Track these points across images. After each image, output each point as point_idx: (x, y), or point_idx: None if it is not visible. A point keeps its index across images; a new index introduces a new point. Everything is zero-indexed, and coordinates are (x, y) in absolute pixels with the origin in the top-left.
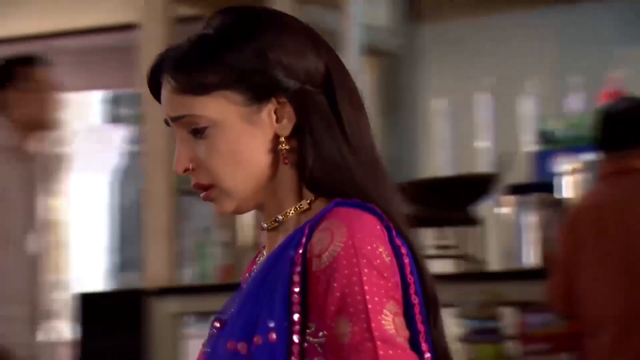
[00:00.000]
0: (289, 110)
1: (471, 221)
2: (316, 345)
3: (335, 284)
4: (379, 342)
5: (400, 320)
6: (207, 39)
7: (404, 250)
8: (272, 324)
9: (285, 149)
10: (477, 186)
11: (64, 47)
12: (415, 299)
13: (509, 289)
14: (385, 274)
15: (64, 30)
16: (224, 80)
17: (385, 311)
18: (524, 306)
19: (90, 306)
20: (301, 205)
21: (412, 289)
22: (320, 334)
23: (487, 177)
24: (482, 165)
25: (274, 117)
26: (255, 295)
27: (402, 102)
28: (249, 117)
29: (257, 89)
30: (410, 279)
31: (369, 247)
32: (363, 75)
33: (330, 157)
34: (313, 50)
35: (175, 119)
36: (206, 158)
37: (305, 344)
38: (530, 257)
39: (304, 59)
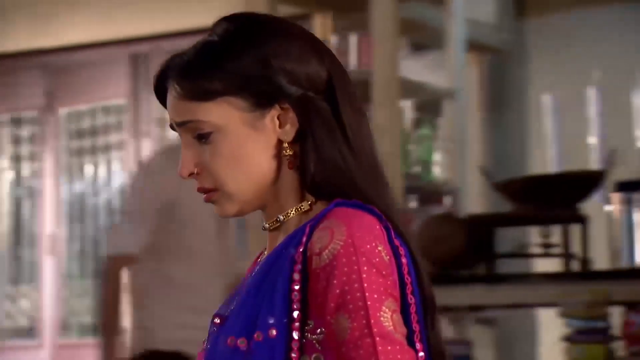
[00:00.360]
0: (291, 116)
1: (578, 219)
2: (314, 341)
3: (335, 281)
4: (377, 338)
5: (398, 317)
6: (211, 45)
7: (402, 251)
8: (272, 320)
9: (289, 154)
10: (584, 183)
11: (171, 48)
12: (411, 299)
13: (616, 288)
14: (384, 272)
15: (168, 32)
16: (228, 86)
17: (384, 308)
18: (631, 306)
19: None
20: (302, 206)
21: (409, 289)
22: (319, 330)
23: (594, 174)
24: (591, 162)
25: (277, 122)
26: (256, 293)
27: (508, 98)
28: (252, 123)
29: (261, 95)
30: (408, 279)
31: (368, 246)
32: (467, 72)
33: (332, 160)
34: (315, 57)
35: (181, 124)
36: (210, 162)
37: (304, 340)
38: (638, 256)
39: (307, 66)
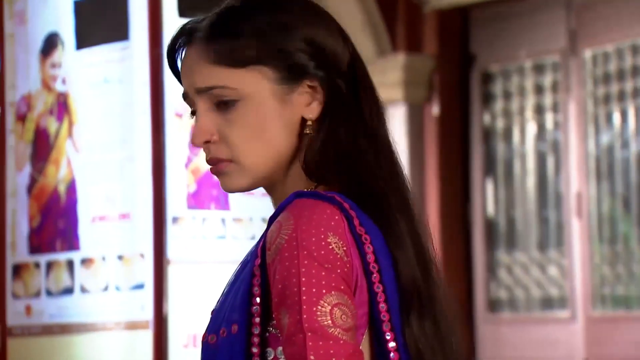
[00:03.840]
0: (319, 94)
1: None
2: (277, 334)
3: (277, 276)
4: (309, 334)
5: (342, 310)
6: (245, 13)
7: (367, 239)
8: (235, 316)
9: (311, 133)
10: None
11: None
12: (378, 287)
13: None
14: (327, 265)
15: None
16: (262, 55)
17: (321, 302)
18: None
19: None
20: None
21: (375, 278)
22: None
23: None
24: None
25: (305, 99)
26: (230, 288)
27: None
28: (281, 96)
29: (293, 69)
30: (375, 267)
31: (313, 239)
32: None
33: (341, 145)
34: (341, 38)
35: (203, 91)
36: (231, 131)
37: (267, 334)
38: None
39: (336, 45)
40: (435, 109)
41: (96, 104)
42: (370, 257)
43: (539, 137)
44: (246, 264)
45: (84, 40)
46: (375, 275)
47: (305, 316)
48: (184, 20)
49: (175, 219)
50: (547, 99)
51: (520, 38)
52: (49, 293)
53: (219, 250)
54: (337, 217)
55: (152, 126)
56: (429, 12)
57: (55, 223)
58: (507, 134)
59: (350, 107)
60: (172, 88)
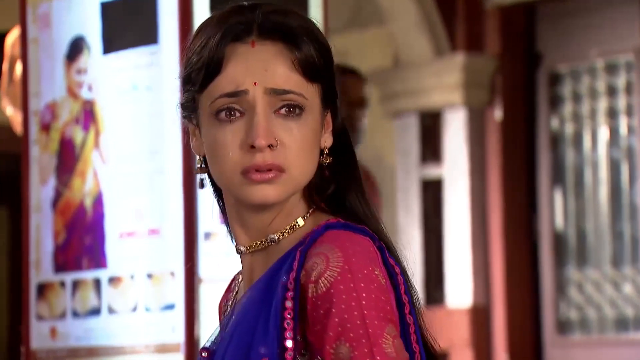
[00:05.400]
0: (330, 125)
1: None
2: None
3: (333, 310)
4: None
5: (399, 342)
6: (315, 26)
7: (397, 270)
8: (263, 351)
9: (328, 161)
10: None
11: None
12: (410, 319)
13: None
14: (382, 297)
15: None
16: (324, 74)
17: (385, 334)
18: None
19: None
20: (297, 223)
21: (406, 309)
22: None
23: None
24: None
25: (326, 126)
26: (247, 322)
27: None
28: (321, 117)
29: (330, 93)
30: (405, 298)
31: (365, 271)
32: None
33: (352, 180)
34: None
35: (279, 92)
36: (292, 141)
37: None
38: None
39: None
40: (498, 113)
41: (124, 112)
42: (402, 289)
43: (611, 143)
44: (260, 295)
45: (111, 44)
46: (406, 306)
47: (375, 349)
48: None
49: (207, 235)
50: (621, 102)
51: (590, 36)
52: (75, 314)
53: None
54: (372, 249)
55: (182, 136)
56: (491, 8)
57: (82, 239)
58: (577, 139)
59: (350, 147)
60: None
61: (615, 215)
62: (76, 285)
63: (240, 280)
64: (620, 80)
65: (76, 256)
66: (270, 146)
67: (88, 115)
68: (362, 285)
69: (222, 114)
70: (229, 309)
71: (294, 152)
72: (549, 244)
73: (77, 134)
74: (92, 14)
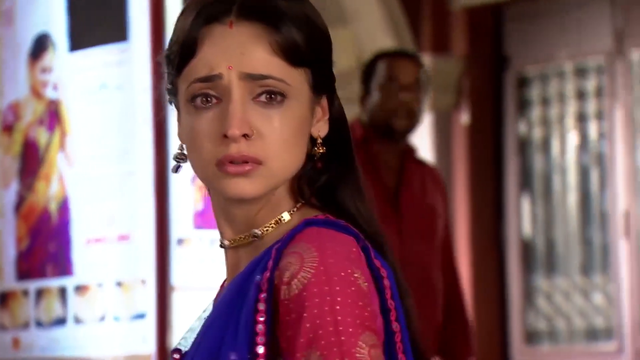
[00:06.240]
0: (326, 114)
1: None
2: None
3: (305, 314)
4: None
5: (377, 352)
6: (306, 8)
7: (384, 273)
8: (233, 356)
9: (321, 152)
10: None
11: None
12: (396, 327)
13: None
14: (360, 302)
15: None
16: (313, 57)
17: (360, 343)
18: None
19: None
20: (282, 217)
21: (392, 315)
22: None
23: None
24: None
25: (320, 114)
26: (218, 324)
27: None
28: (311, 105)
29: (323, 78)
30: (391, 303)
31: (342, 273)
32: None
33: (350, 174)
34: None
35: (256, 77)
36: (271, 130)
37: None
38: None
39: None
40: (464, 117)
41: (92, 112)
42: (387, 293)
43: (581, 148)
44: (234, 295)
45: (78, 41)
46: (392, 312)
47: (347, 358)
48: None
49: (180, 241)
50: (591, 106)
51: (560, 38)
52: (39, 324)
53: None
54: (354, 249)
55: (154, 137)
56: (457, 9)
57: (46, 246)
58: (546, 145)
59: (347, 137)
60: None
61: (585, 222)
62: (40, 293)
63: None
64: (590, 84)
65: (40, 263)
66: (245, 136)
67: (53, 115)
68: (338, 288)
69: (198, 100)
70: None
71: (273, 143)
72: (516, 251)
73: (42, 136)
74: (58, 9)
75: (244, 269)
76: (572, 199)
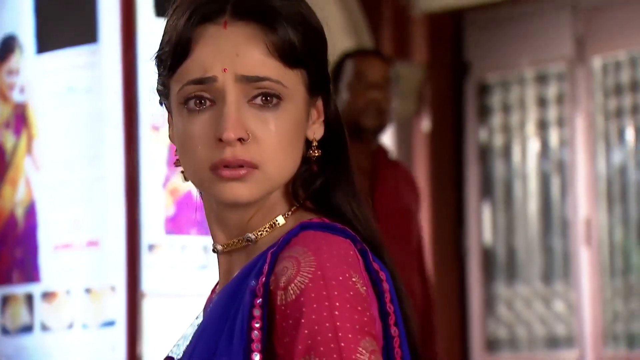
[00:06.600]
0: (322, 116)
1: None
2: None
3: (303, 320)
4: None
5: (377, 358)
6: (302, 7)
7: (382, 276)
8: None
9: (317, 155)
10: None
11: None
12: (395, 331)
13: None
14: (359, 307)
15: None
16: (310, 57)
17: (360, 349)
18: None
19: None
20: (276, 221)
21: (391, 320)
22: None
23: None
24: None
25: (316, 116)
26: (212, 331)
27: None
28: (307, 106)
29: (319, 79)
30: (390, 307)
31: (340, 277)
32: None
33: (345, 177)
34: None
35: (252, 79)
36: (267, 134)
37: None
38: None
39: None
40: (425, 124)
41: (59, 115)
42: (387, 297)
43: (542, 155)
44: (228, 300)
45: (45, 43)
46: (391, 316)
47: None
48: (161, 21)
49: (151, 247)
50: (552, 113)
51: (521, 45)
52: (5, 331)
53: (200, 282)
54: (352, 253)
55: (124, 141)
56: (419, 15)
57: (12, 252)
58: (507, 152)
59: (343, 139)
60: (148, 97)
61: (546, 229)
62: (6, 300)
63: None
64: (551, 91)
65: (6, 270)
66: (241, 140)
67: (20, 119)
68: (336, 293)
69: (191, 103)
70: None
71: (269, 147)
72: (477, 259)
73: (8, 139)
74: (25, 11)
75: (238, 273)
76: (533, 206)
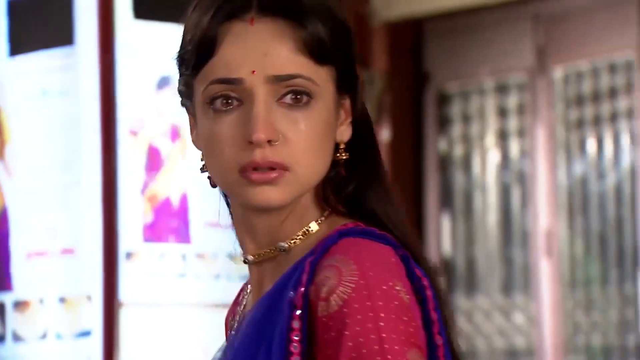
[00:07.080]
0: (349, 116)
1: None
2: None
3: (346, 332)
4: None
5: None
6: (331, 6)
7: (425, 283)
8: None
9: (344, 157)
10: None
11: None
12: (439, 340)
13: None
14: (405, 317)
15: None
16: (339, 54)
17: None
18: None
19: None
20: (309, 228)
21: (435, 328)
22: None
23: None
24: None
25: (344, 117)
26: (249, 344)
27: None
28: (336, 105)
29: (348, 77)
30: (434, 315)
31: (384, 287)
32: None
33: (379, 181)
34: None
35: (282, 78)
36: (298, 134)
37: None
38: None
39: None
40: (385, 134)
41: (33, 120)
42: (430, 304)
43: (502, 166)
44: (266, 311)
45: (19, 45)
46: (435, 325)
47: None
48: (140, 23)
49: (129, 255)
50: (512, 123)
51: (481, 54)
52: None
53: (179, 291)
54: (394, 260)
55: (101, 146)
56: (378, 24)
57: None
58: (466, 162)
59: (373, 140)
60: (126, 101)
61: (506, 241)
62: None
63: (249, 291)
64: (512, 101)
65: None
66: (271, 141)
67: None
68: (381, 303)
69: (218, 103)
70: (236, 324)
71: (300, 148)
72: None
73: None
74: None
75: (274, 285)
76: (493, 217)
